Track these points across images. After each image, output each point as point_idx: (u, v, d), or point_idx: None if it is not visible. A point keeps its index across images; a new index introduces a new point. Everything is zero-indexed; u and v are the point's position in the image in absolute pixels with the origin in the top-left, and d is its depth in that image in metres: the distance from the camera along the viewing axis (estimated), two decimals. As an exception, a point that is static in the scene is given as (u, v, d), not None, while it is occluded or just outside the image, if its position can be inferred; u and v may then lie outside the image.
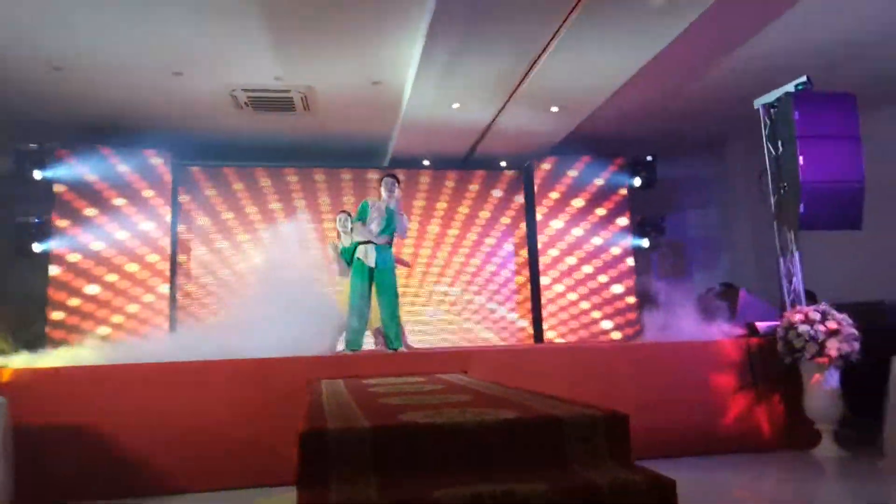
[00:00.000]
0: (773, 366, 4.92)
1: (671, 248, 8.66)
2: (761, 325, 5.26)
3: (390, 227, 5.62)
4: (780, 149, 5.39)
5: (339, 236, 6.69)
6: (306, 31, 5.90)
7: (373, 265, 5.53)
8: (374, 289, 5.58)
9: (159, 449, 4.09)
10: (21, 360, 4.80)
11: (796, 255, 5.45)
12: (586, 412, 1.95)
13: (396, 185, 5.67)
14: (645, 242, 9.06)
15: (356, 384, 3.78)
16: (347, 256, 5.93)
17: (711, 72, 6.80)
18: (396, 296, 5.67)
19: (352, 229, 6.18)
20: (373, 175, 8.99)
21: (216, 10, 5.48)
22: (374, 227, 5.53)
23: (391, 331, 5.54)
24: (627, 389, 4.67)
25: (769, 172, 5.55)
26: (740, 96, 7.31)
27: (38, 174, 7.69)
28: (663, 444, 4.47)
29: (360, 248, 5.61)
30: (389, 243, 5.71)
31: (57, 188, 7.81)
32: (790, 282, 5.49)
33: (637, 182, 9.05)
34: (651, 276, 6.59)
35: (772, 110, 5.52)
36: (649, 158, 9.01)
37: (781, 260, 5.55)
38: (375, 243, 5.56)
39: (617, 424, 1.92)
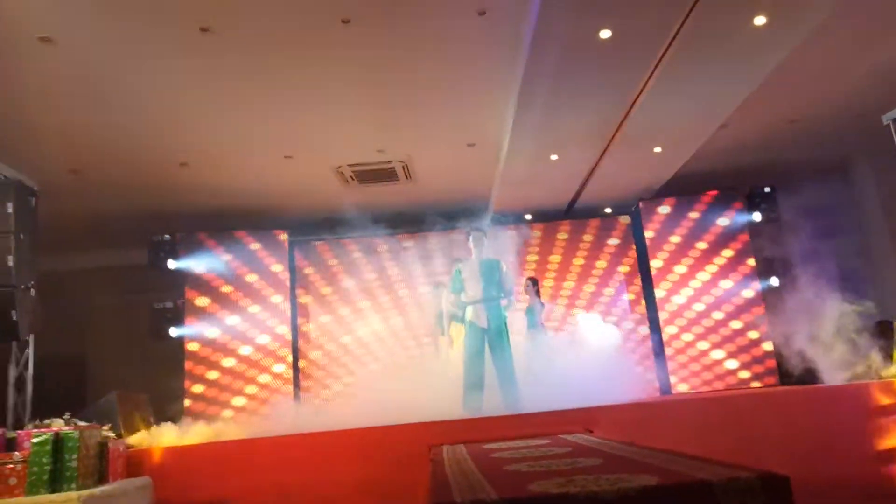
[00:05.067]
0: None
1: (804, 283, 7.96)
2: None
3: (493, 281, 5.41)
4: (921, 164, 4.89)
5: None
6: (403, 106, 6.11)
7: (485, 325, 5.37)
8: (487, 349, 5.39)
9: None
10: (165, 438, 5.05)
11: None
12: (739, 475, 1.73)
13: (484, 237, 5.53)
14: (774, 281, 8.37)
15: (478, 450, 3.65)
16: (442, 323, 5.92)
17: (825, 91, 6.35)
18: (511, 356, 5.40)
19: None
20: (458, 236, 8.73)
21: (321, 96, 5.81)
22: (469, 295, 5.37)
23: (510, 393, 5.28)
24: (772, 443, 4.23)
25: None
26: (862, 113, 6.78)
27: (171, 263, 8.27)
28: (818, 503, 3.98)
29: (470, 308, 5.44)
30: (500, 299, 5.47)
31: (188, 274, 8.35)
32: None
33: (757, 217, 8.39)
34: (786, 316, 6.05)
35: (905, 124, 5.06)
36: (767, 190, 8.37)
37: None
38: (486, 301, 5.41)
39: (777, 488, 1.70)
